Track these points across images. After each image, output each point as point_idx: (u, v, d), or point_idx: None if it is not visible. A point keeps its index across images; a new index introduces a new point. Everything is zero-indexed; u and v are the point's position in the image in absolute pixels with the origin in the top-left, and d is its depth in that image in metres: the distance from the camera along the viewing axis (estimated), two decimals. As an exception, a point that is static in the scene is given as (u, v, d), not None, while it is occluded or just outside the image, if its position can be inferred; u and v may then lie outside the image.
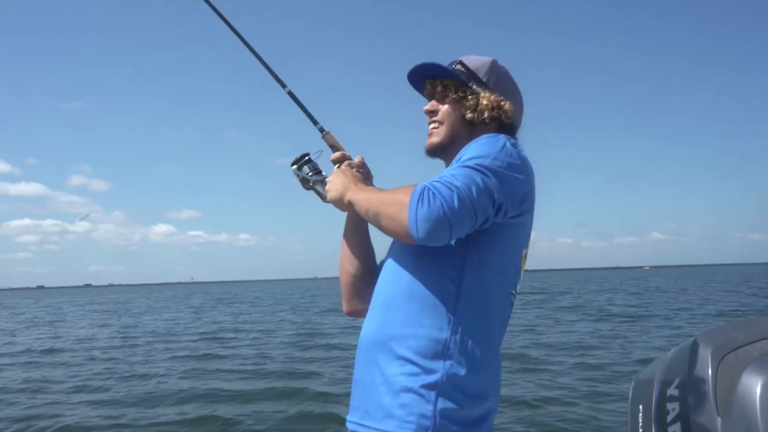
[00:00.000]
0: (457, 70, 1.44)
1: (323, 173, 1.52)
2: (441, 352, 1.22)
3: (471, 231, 1.21)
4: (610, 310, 18.35)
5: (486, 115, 1.40)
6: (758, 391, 1.46)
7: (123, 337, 15.00)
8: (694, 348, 1.70)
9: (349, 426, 1.32)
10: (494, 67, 1.45)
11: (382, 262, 1.47)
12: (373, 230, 1.49)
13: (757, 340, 1.62)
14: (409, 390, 1.21)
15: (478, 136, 1.36)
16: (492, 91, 1.41)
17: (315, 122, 1.59)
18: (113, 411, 6.51)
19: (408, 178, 1.32)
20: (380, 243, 1.47)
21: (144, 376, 8.71)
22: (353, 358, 1.41)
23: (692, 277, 59.94)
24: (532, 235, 1.42)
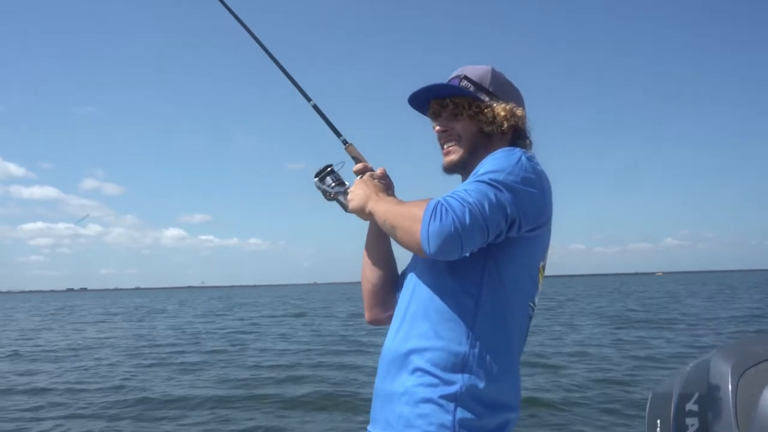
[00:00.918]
0: (465, 86, 1.44)
1: (346, 183, 1.53)
2: (460, 365, 1.24)
3: (483, 245, 1.22)
4: (627, 316, 18.18)
5: (505, 125, 1.41)
6: (780, 408, 1.43)
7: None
8: (713, 362, 1.68)
9: None
10: (495, 74, 1.45)
11: (404, 273, 1.49)
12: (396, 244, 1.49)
13: (779, 356, 1.60)
14: (429, 401, 1.23)
15: (495, 147, 1.37)
16: (500, 99, 1.42)
17: (338, 134, 1.61)
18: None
19: (426, 188, 1.33)
20: (402, 251, 1.48)
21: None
22: None
23: (707, 283, 59.25)
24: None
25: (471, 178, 1.28)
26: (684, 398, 1.74)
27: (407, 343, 1.31)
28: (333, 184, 1.53)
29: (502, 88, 1.44)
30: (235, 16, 1.74)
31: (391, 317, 1.45)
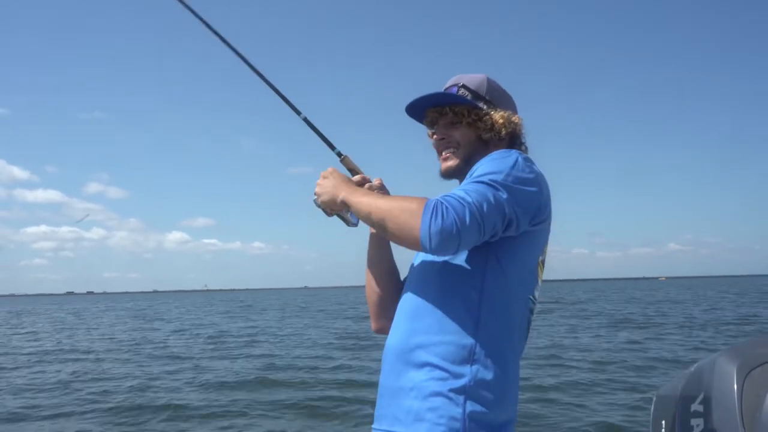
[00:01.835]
0: (462, 94, 1.46)
1: None
2: (467, 357, 1.26)
3: (478, 243, 1.25)
4: (631, 320, 18.13)
5: (503, 132, 1.44)
6: (785, 408, 1.43)
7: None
8: (718, 363, 1.67)
9: None
10: (490, 83, 1.49)
11: (405, 278, 1.51)
12: (395, 247, 1.51)
13: (785, 356, 1.59)
14: (438, 394, 1.24)
15: (491, 152, 1.39)
16: (497, 107, 1.46)
17: (332, 147, 1.60)
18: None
19: (426, 191, 1.33)
20: (401, 254, 1.48)
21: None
22: None
23: (710, 288, 59.06)
24: (548, 247, 1.44)
25: (468, 178, 1.31)
26: (689, 399, 1.73)
27: (412, 338, 1.32)
28: None
29: (497, 96, 1.48)
30: (222, 39, 1.66)
31: None
